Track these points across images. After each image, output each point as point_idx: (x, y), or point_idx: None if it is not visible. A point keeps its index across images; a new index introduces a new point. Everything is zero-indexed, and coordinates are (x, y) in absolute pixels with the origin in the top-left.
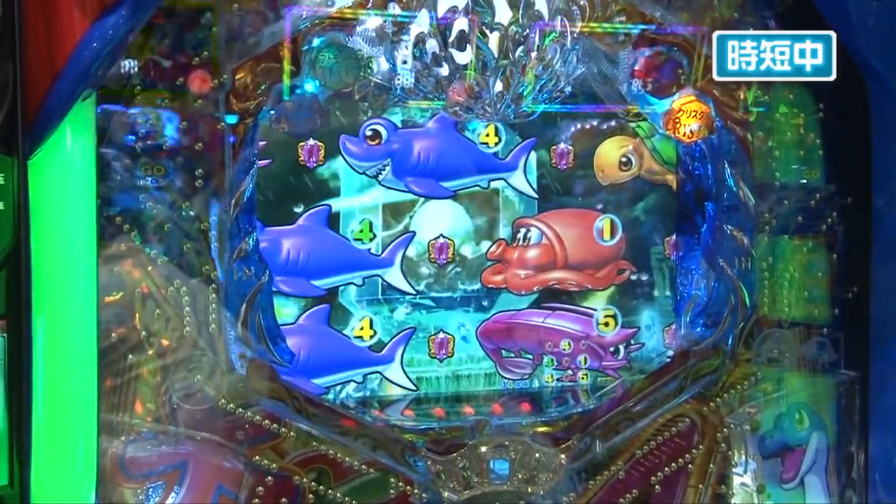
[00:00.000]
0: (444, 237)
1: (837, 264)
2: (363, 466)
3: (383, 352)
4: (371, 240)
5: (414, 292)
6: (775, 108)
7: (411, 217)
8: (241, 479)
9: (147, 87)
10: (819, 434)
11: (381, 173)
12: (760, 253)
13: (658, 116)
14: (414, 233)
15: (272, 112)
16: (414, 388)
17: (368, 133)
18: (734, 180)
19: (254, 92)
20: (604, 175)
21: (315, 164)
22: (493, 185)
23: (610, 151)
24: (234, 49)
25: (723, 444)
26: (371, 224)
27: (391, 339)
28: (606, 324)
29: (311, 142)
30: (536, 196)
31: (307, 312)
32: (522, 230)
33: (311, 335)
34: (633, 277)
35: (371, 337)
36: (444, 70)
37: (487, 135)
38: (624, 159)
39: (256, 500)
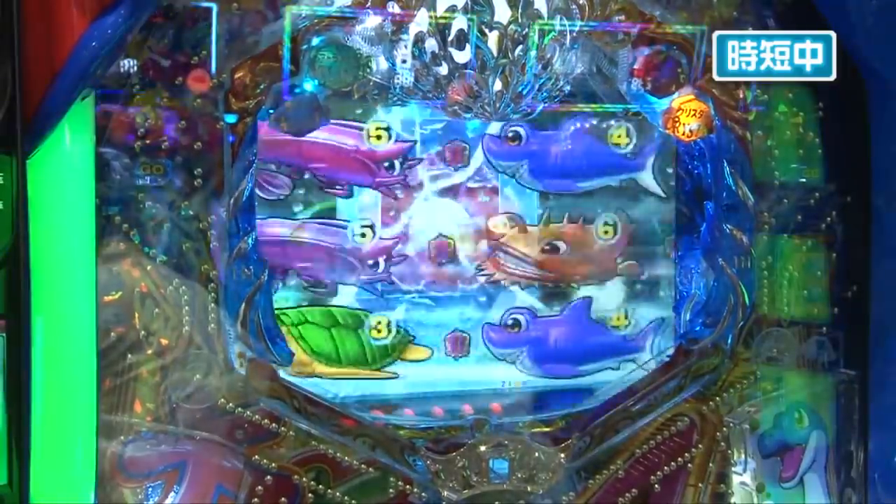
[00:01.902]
0: (443, 236)
1: (837, 263)
2: (363, 466)
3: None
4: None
5: None
6: (775, 108)
7: (410, 216)
8: (241, 479)
9: (146, 87)
10: (818, 433)
11: (517, 173)
12: (760, 252)
13: (657, 115)
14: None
15: (271, 111)
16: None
17: (509, 134)
18: (733, 179)
19: (253, 91)
20: None
21: None
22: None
23: None
24: (234, 48)
25: (722, 443)
26: None
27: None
28: None
29: None
30: (664, 195)
31: (571, 304)
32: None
33: (573, 325)
34: None
35: (626, 326)
36: (444, 69)
37: (619, 136)
38: None
39: (256, 499)
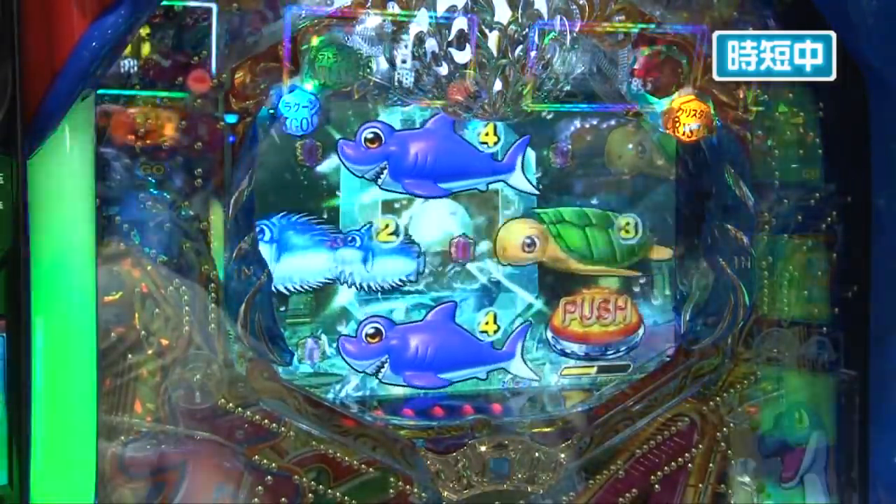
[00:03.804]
0: (465, 236)
1: (837, 263)
2: (363, 466)
3: (503, 348)
4: (495, 332)
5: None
6: (775, 108)
7: (411, 216)
8: (241, 479)
9: (146, 87)
10: (819, 433)
11: (379, 177)
12: (760, 252)
13: (657, 116)
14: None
15: (271, 111)
16: (537, 378)
17: (368, 136)
18: (734, 179)
19: (253, 91)
20: (621, 162)
21: (314, 163)
22: (492, 185)
23: (623, 140)
24: (234, 48)
25: (722, 443)
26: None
27: (509, 335)
28: None
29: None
30: (538, 193)
31: (434, 310)
32: None
33: (437, 331)
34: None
35: (495, 332)
36: (444, 69)
37: (487, 134)
38: (640, 148)
39: (256, 499)
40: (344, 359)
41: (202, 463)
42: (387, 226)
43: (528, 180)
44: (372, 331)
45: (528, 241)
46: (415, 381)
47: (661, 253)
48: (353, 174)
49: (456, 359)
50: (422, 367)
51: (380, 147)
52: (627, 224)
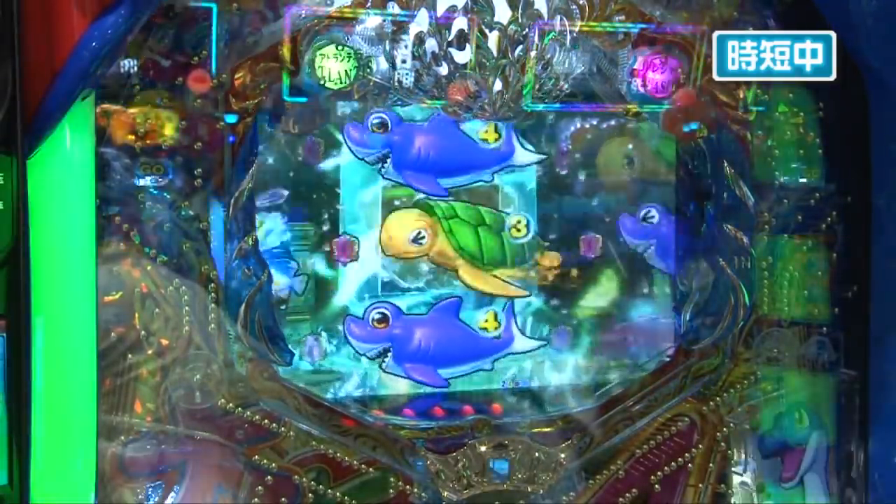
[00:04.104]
0: (347, 234)
1: (837, 263)
2: (363, 466)
3: (501, 336)
4: (496, 329)
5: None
6: (775, 108)
7: None
8: (241, 479)
9: (146, 87)
10: (819, 433)
11: (383, 166)
12: (760, 252)
13: (657, 115)
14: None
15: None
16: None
17: (375, 122)
18: (733, 180)
19: (253, 91)
20: (609, 173)
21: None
22: (495, 180)
23: (613, 153)
24: (234, 48)
25: (722, 443)
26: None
27: (501, 323)
28: None
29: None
30: (546, 156)
31: (438, 305)
32: None
33: (440, 327)
34: None
35: (496, 329)
36: (444, 69)
37: (487, 131)
38: (626, 160)
39: (256, 499)
40: (347, 339)
41: (202, 463)
42: (261, 224)
43: (530, 150)
44: (379, 316)
45: (418, 234)
46: (415, 375)
47: (552, 260)
48: (356, 156)
49: (458, 354)
50: (424, 360)
51: (385, 134)
52: (519, 222)
